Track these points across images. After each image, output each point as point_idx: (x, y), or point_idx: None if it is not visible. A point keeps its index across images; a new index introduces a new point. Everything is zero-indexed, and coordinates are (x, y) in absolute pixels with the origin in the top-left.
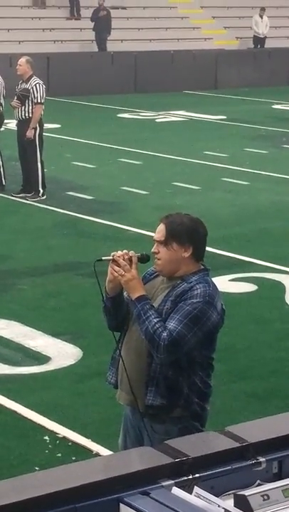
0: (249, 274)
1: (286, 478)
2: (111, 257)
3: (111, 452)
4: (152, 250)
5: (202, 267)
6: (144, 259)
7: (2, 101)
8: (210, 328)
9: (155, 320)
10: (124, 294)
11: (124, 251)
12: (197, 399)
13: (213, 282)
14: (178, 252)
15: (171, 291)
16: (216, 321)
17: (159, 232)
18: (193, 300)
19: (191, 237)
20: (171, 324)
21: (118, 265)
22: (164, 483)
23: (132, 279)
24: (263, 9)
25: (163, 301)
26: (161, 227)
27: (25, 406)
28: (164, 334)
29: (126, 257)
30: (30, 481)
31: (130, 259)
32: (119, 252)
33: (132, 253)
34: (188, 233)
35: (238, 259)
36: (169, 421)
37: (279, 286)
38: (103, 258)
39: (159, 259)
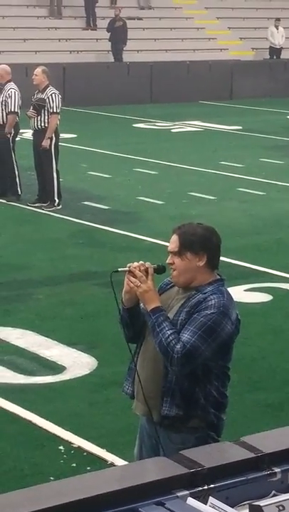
0: (264, 284)
1: None
2: (127, 268)
3: (126, 462)
4: (167, 261)
5: (218, 276)
6: (160, 270)
7: (18, 111)
8: (225, 338)
9: (169, 332)
10: (141, 305)
11: (141, 262)
12: (213, 409)
13: (228, 292)
14: (192, 261)
15: (186, 302)
16: (231, 331)
17: (173, 243)
18: (207, 311)
19: (205, 245)
20: (185, 336)
21: (134, 276)
22: (179, 494)
23: (148, 290)
24: (278, 20)
25: (178, 311)
26: (174, 238)
27: (40, 416)
28: (178, 346)
29: (142, 268)
30: (45, 491)
31: (146, 271)
32: (136, 263)
33: (148, 264)
34: (202, 242)
35: (254, 269)
36: (186, 431)
37: None
38: (119, 269)
39: (174, 270)
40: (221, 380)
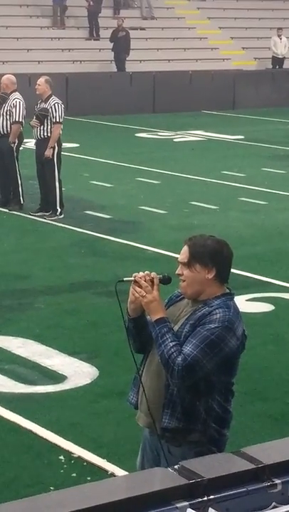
0: (266, 294)
1: None
2: (132, 278)
3: (126, 472)
4: (176, 272)
5: (227, 290)
6: (165, 280)
7: (23, 120)
8: (228, 353)
9: (171, 344)
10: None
11: (146, 272)
12: (214, 424)
13: (235, 307)
14: (201, 273)
15: (192, 314)
16: (235, 346)
17: (183, 253)
18: (211, 325)
19: (215, 258)
20: (187, 349)
21: (140, 286)
22: (178, 505)
23: (153, 300)
24: (280, 29)
25: (183, 324)
26: (184, 249)
27: (40, 425)
28: (179, 359)
29: (147, 278)
30: (45, 501)
31: (152, 281)
32: (141, 273)
33: (153, 274)
34: (212, 255)
35: (256, 279)
36: (186, 444)
37: None
38: (124, 279)
39: (183, 281)
40: (223, 395)
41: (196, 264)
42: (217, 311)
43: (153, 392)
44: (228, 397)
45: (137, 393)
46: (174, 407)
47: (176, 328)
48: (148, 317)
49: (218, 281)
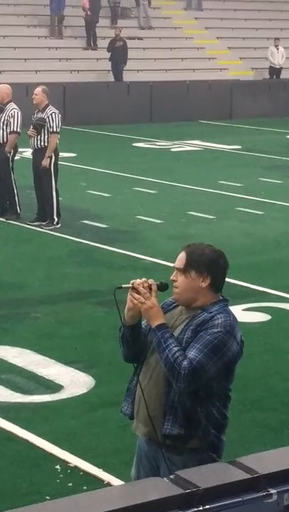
0: (263, 304)
1: None
2: (130, 285)
3: (122, 482)
4: (171, 278)
5: (221, 297)
6: (163, 287)
7: (19, 130)
8: (230, 358)
9: (175, 349)
10: (143, 323)
11: (144, 279)
12: (214, 430)
13: (232, 313)
14: (196, 281)
15: (191, 320)
16: (236, 351)
17: (180, 260)
18: (214, 330)
19: (210, 267)
20: (192, 353)
21: (138, 293)
22: None
23: (153, 306)
24: (278, 39)
25: (183, 330)
26: (181, 255)
27: (37, 435)
28: (185, 363)
29: (146, 284)
30: (41, 511)
31: (150, 287)
32: (139, 280)
33: (151, 281)
34: (208, 263)
35: (252, 288)
36: (187, 452)
37: None
38: (123, 286)
39: (176, 288)
40: (222, 400)
41: (191, 271)
42: (218, 316)
43: (152, 401)
44: (226, 403)
45: (131, 403)
46: (175, 414)
47: (175, 334)
48: (143, 326)
49: (212, 290)
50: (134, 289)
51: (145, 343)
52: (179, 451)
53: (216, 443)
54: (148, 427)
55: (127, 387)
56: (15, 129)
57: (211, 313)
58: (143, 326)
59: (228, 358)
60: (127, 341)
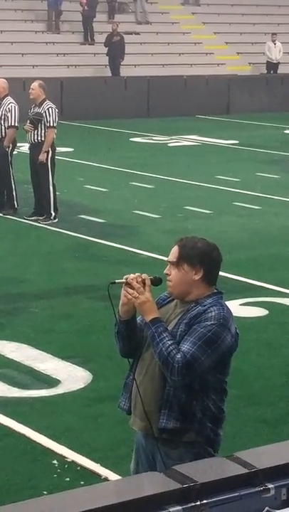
0: (260, 299)
1: None
2: (124, 280)
3: (119, 477)
4: (164, 271)
5: (215, 290)
6: (156, 281)
7: (17, 124)
8: (224, 351)
9: (169, 342)
10: (138, 318)
11: (137, 274)
12: (210, 423)
13: (227, 306)
14: (188, 274)
15: (185, 314)
16: (230, 344)
17: (172, 253)
18: (207, 322)
19: (203, 260)
20: (185, 346)
21: (132, 288)
22: (171, 509)
23: (146, 301)
24: (275, 34)
25: (177, 323)
26: (174, 249)
27: (34, 430)
28: (178, 356)
29: (139, 279)
30: (38, 505)
31: (143, 282)
32: (132, 275)
33: (145, 276)
34: (201, 256)
35: (249, 283)
36: (183, 446)
37: None
38: (116, 281)
39: (170, 281)
40: (218, 394)
41: (184, 264)
42: (211, 308)
43: (148, 395)
44: (222, 397)
45: (128, 398)
46: (171, 407)
47: (169, 328)
48: (138, 318)
49: (206, 282)
50: (127, 284)
51: (141, 338)
52: (175, 445)
53: (212, 437)
54: (144, 422)
55: (124, 383)
56: (13, 124)
57: (204, 306)
58: (139, 321)
59: (222, 351)
60: (123, 336)
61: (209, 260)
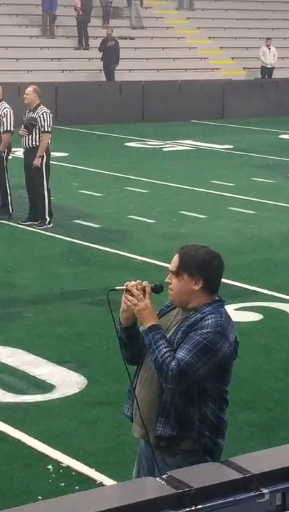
0: (255, 304)
1: None
2: (124, 287)
3: (114, 482)
4: (166, 280)
5: (217, 298)
6: (157, 289)
7: (13, 129)
8: (221, 359)
9: (165, 350)
10: (140, 326)
11: (138, 281)
12: (209, 432)
13: (226, 313)
14: (188, 284)
15: (183, 321)
16: (228, 352)
17: (173, 262)
18: (203, 330)
19: (203, 270)
20: (180, 354)
21: (132, 295)
22: None
23: (145, 308)
24: (269, 39)
25: (175, 331)
26: (175, 258)
27: (29, 435)
28: (173, 364)
29: (139, 286)
30: (33, 511)
31: (144, 289)
32: (133, 282)
33: (145, 283)
34: (200, 266)
35: (244, 288)
36: (181, 454)
37: (285, 316)
38: (117, 288)
39: (171, 290)
40: (217, 403)
41: (184, 274)
42: (209, 316)
43: (147, 403)
44: (222, 406)
45: (132, 405)
46: (168, 415)
47: (168, 335)
48: (140, 327)
49: (206, 292)
50: (128, 290)
51: (143, 345)
52: (173, 453)
53: (211, 446)
54: (143, 429)
55: (128, 389)
56: (8, 128)
57: (202, 313)
58: (141, 329)
59: (218, 359)
60: (124, 343)
61: (209, 269)
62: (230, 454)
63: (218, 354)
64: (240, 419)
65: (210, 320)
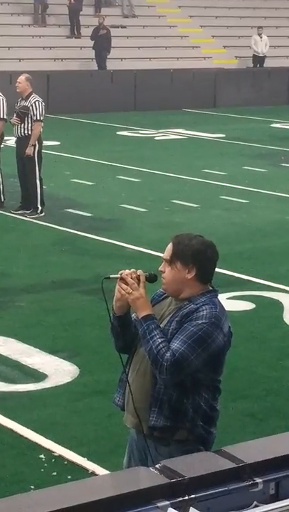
0: (247, 293)
1: (283, 499)
2: (119, 275)
3: (107, 471)
4: (159, 269)
5: (210, 288)
6: (151, 278)
7: (5, 117)
8: (215, 350)
9: (159, 340)
10: (133, 314)
11: (132, 270)
12: (202, 422)
13: (220, 304)
14: (181, 272)
15: (177, 311)
16: (222, 343)
17: (167, 251)
18: (198, 321)
19: (196, 258)
20: (175, 345)
21: (126, 283)
22: (159, 504)
23: (140, 297)
24: (261, 28)
25: (169, 321)
26: (169, 246)
27: (21, 424)
28: (168, 355)
29: (134, 275)
30: (25, 500)
31: (138, 278)
32: (127, 271)
33: (140, 272)
34: (194, 255)
35: (236, 277)
36: (174, 443)
37: (277, 305)
38: (111, 276)
39: (164, 278)
40: (210, 392)
41: (177, 263)
42: (204, 307)
43: (140, 392)
44: (215, 395)
45: (123, 395)
46: (161, 405)
47: (162, 325)
48: (133, 315)
49: (199, 281)
50: (122, 279)
51: (136, 334)
52: (166, 443)
53: (204, 435)
54: (136, 419)
55: (119, 378)
56: (1, 116)
57: (197, 304)
58: (133, 317)
59: (213, 350)
60: (117, 332)
61: (203, 259)
62: (223, 443)
63: (212, 345)
64: (232, 409)
65: (205, 311)
